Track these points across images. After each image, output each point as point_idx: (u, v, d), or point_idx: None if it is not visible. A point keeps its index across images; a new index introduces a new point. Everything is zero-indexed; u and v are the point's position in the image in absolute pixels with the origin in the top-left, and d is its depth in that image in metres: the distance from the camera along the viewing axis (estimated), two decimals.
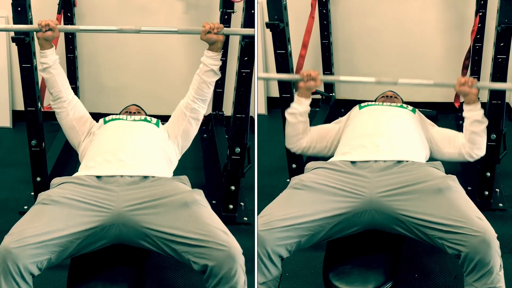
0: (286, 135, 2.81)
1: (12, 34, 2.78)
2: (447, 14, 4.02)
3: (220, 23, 3.63)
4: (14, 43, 2.78)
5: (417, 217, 2.31)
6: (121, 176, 2.44)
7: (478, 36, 3.81)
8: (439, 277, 2.74)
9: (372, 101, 3.08)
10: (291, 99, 2.83)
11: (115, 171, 2.46)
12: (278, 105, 2.95)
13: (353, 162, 2.52)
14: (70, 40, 3.91)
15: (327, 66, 4.17)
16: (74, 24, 3.85)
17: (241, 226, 3.13)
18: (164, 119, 2.87)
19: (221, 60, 2.69)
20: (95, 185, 2.40)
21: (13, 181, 3.52)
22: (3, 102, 4.10)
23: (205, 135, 4.03)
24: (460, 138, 2.70)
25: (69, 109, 2.73)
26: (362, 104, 2.95)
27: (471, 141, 2.65)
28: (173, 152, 2.73)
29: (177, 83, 4.03)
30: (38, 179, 3.12)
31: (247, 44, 2.84)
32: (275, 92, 4.18)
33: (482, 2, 3.69)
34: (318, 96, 4.15)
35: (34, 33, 2.71)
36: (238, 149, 3.08)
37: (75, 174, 2.51)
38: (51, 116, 2.86)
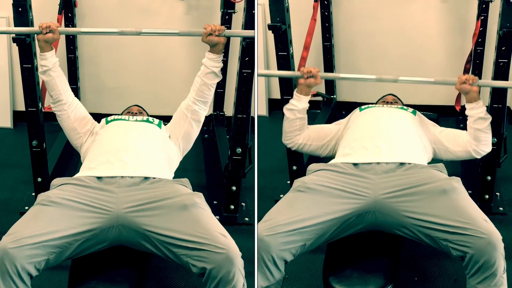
0: (283, 130, 2.81)
1: (13, 34, 2.78)
2: (449, 17, 4.02)
3: (221, 23, 3.67)
4: (15, 44, 2.78)
5: (422, 218, 2.30)
6: (122, 177, 2.43)
7: (480, 40, 3.81)
8: (439, 281, 2.74)
9: (373, 103, 3.08)
10: None
11: (116, 172, 2.46)
12: (279, 107, 2.95)
13: (355, 164, 2.52)
14: (71, 40, 3.91)
15: (329, 68, 4.17)
16: (75, 25, 3.86)
17: (242, 227, 3.13)
18: (164, 119, 2.86)
19: (222, 61, 2.69)
20: (95, 186, 2.40)
21: (14, 182, 3.52)
22: (4, 102, 4.09)
23: (206, 136, 4.02)
24: (465, 136, 2.70)
25: (69, 111, 2.73)
26: (363, 107, 2.95)
27: (476, 138, 2.65)
28: (174, 153, 2.73)
29: (178, 84, 4.03)
30: (39, 179, 3.11)
31: (248, 44, 2.84)
32: (276, 94, 4.19)
33: (483, 6, 3.68)
34: (320, 98, 4.16)
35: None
36: (239, 150, 3.08)
37: (76, 175, 2.51)
38: (52, 116, 2.85)
